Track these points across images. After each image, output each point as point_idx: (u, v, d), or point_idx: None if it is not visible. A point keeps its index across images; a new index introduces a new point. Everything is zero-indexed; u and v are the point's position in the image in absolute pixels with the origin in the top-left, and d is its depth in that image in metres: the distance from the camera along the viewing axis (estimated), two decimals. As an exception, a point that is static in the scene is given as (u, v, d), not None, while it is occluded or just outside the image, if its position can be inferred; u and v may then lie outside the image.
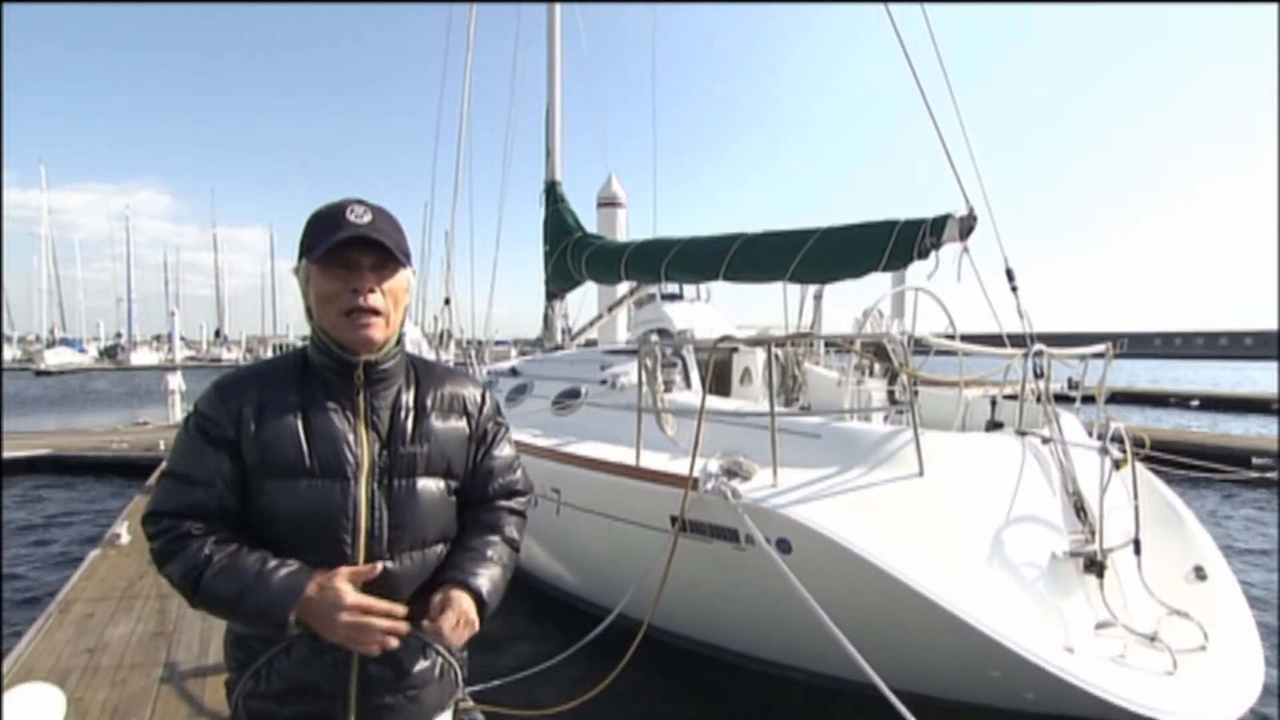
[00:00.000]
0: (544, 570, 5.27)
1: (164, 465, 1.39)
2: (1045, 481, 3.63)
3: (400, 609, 1.26)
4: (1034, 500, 3.52)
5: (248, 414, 1.33)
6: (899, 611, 2.96)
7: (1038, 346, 3.82)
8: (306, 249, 1.35)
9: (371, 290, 1.34)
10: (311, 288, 1.36)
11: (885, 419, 4.83)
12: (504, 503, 1.54)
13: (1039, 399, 3.89)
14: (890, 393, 5.24)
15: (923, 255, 4.43)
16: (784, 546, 3.23)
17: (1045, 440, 3.79)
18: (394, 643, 1.26)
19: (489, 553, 1.43)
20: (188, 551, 1.28)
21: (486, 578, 1.38)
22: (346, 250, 1.32)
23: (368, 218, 1.34)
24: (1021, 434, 3.87)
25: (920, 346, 3.82)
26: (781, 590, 3.08)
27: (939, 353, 4.12)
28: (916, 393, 3.75)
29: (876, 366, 5.33)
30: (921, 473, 3.50)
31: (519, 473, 1.59)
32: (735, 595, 3.73)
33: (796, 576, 3.02)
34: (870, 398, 5.29)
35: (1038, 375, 3.79)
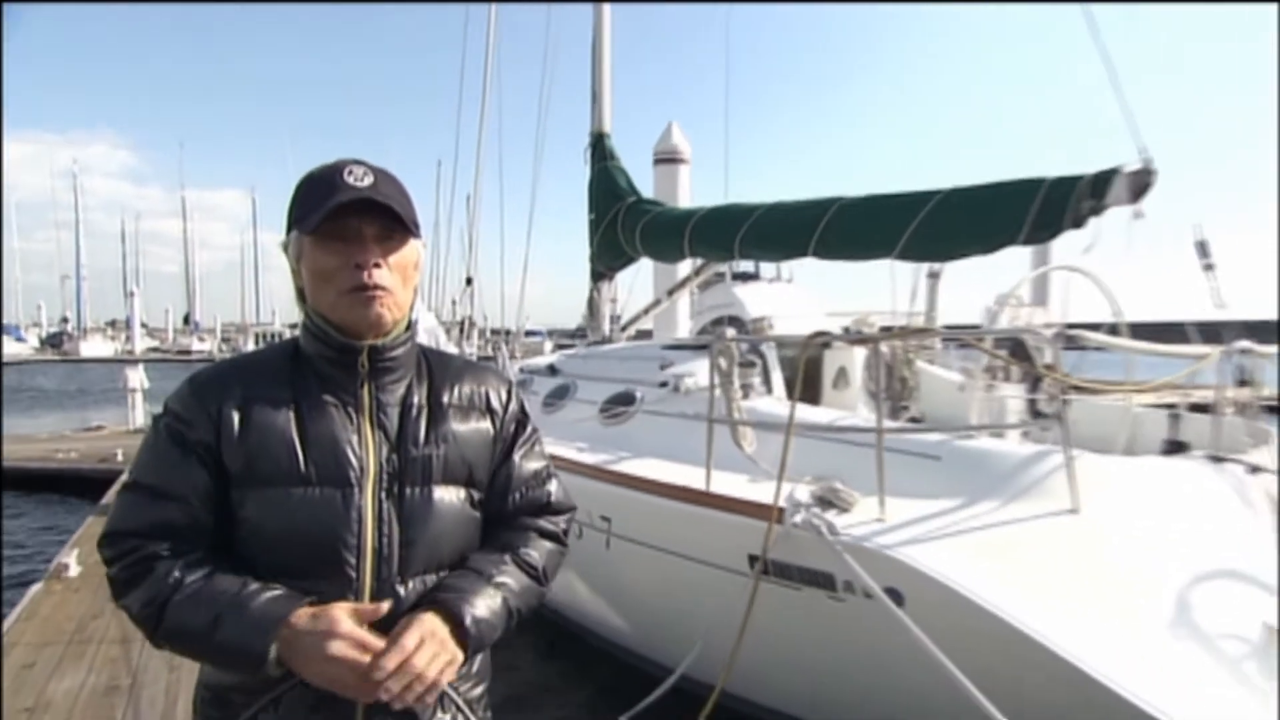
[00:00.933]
0: (590, 616, 5.34)
1: (126, 475, 1.44)
2: (1251, 524, 3.53)
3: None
4: (1235, 550, 3.42)
5: (229, 413, 1.37)
6: (1049, 689, 2.89)
7: (1242, 342, 3.69)
8: (296, 219, 1.40)
9: (376, 265, 1.39)
10: (305, 265, 1.41)
11: (1025, 436, 4.73)
12: (529, 519, 1.57)
13: (1242, 411, 3.76)
14: (1031, 402, 5.14)
15: (1077, 223, 4.29)
16: (893, 598, 3.20)
17: (1253, 469, 3.69)
18: (394, 687, 1.24)
19: (491, 571, 1.44)
20: (153, 576, 1.31)
21: (479, 602, 1.37)
22: (345, 218, 1.37)
23: (368, 180, 1.38)
24: (1216, 459, 3.77)
25: (1073, 342, 3.73)
26: (893, 652, 3.03)
27: (1098, 350, 4.02)
28: (1068, 402, 3.67)
29: (1013, 368, 5.22)
30: (1076, 508, 3.43)
31: (551, 485, 1.62)
32: (830, 655, 3.72)
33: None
34: (1004, 408, 5.21)
35: (1240, 380, 3.66)
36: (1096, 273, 4.65)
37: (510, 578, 1.46)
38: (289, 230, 1.43)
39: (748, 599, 3.52)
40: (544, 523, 1.58)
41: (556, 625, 5.67)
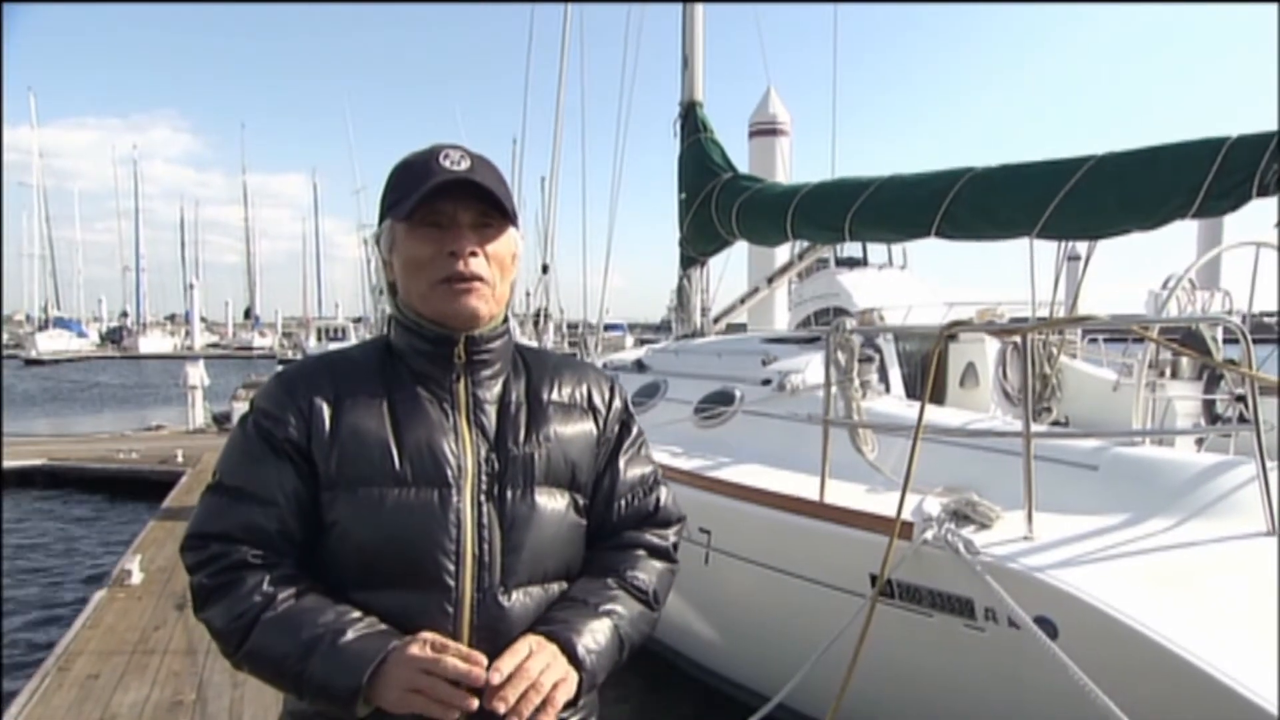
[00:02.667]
0: (682, 638, 5.29)
1: (212, 476, 1.47)
2: None
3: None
4: None
5: (319, 410, 1.41)
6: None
7: None
8: (389, 206, 1.44)
9: (473, 253, 1.41)
10: (397, 254, 1.45)
11: (1200, 445, 4.58)
12: (635, 534, 1.57)
13: None
14: (1209, 404, 4.97)
15: (1266, 191, 4.10)
16: (1045, 629, 3.07)
17: None
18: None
19: (597, 599, 1.44)
20: (241, 589, 1.32)
21: (588, 631, 1.38)
22: (440, 204, 1.40)
23: (465, 164, 1.41)
24: None
25: (1267, 331, 3.50)
26: (1043, 692, 2.94)
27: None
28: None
29: (1184, 362, 4.97)
30: (1274, 530, 3.26)
31: (660, 492, 1.63)
32: (963, 692, 3.62)
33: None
34: (1171, 410, 5.04)
35: None
36: None
37: (619, 604, 1.45)
38: (381, 220, 1.47)
39: (863, 623, 3.43)
40: (652, 537, 1.58)
41: (645, 647, 5.60)
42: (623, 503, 1.56)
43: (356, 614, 1.31)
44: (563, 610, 1.41)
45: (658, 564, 1.56)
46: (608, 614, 1.42)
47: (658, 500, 1.60)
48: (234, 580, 1.33)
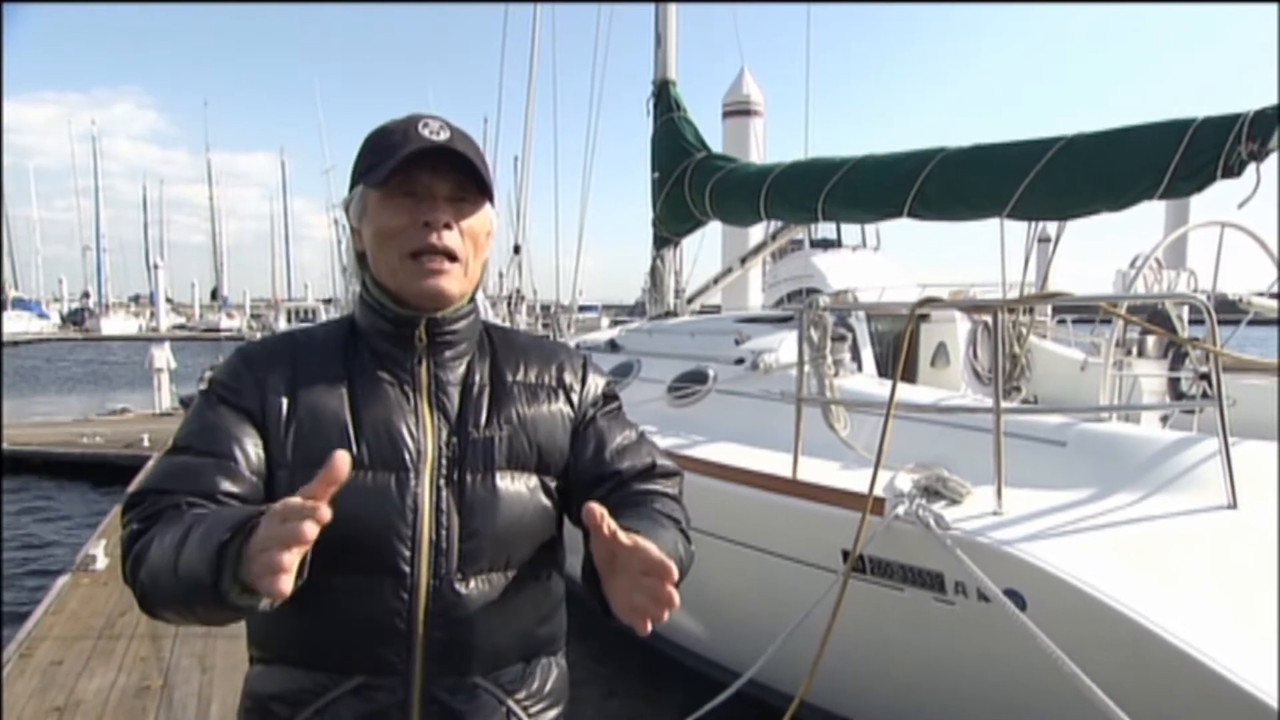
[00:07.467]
0: None
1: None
2: None
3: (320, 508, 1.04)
4: None
5: (276, 386, 1.39)
6: (1203, 711, 2.80)
7: None
8: (363, 172, 1.40)
9: (447, 226, 1.38)
10: (367, 223, 1.41)
11: (1165, 421, 4.57)
12: (641, 486, 1.53)
13: None
14: (1173, 381, 5.03)
15: (1230, 172, 4.13)
16: (1014, 601, 3.13)
17: None
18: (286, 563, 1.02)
19: (652, 522, 1.37)
20: (158, 525, 1.23)
21: (669, 540, 1.32)
22: (416, 173, 1.37)
23: (444, 134, 1.38)
24: None
25: (1232, 310, 3.56)
26: (1012, 663, 2.98)
27: (1255, 322, 3.84)
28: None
29: (1150, 341, 5.04)
30: (1234, 503, 3.32)
31: (651, 447, 1.60)
32: (934, 664, 3.69)
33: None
34: (1138, 387, 5.09)
35: None
36: (1257, 230, 4.44)
37: (676, 533, 1.41)
38: (353, 186, 1.44)
39: (836, 598, 3.49)
40: (657, 485, 1.55)
41: (618, 628, 5.63)
42: (618, 458, 1.53)
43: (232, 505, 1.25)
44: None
45: (677, 505, 1.53)
46: (672, 530, 1.39)
47: (652, 455, 1.58)
48: (156, 521, 1.25)
